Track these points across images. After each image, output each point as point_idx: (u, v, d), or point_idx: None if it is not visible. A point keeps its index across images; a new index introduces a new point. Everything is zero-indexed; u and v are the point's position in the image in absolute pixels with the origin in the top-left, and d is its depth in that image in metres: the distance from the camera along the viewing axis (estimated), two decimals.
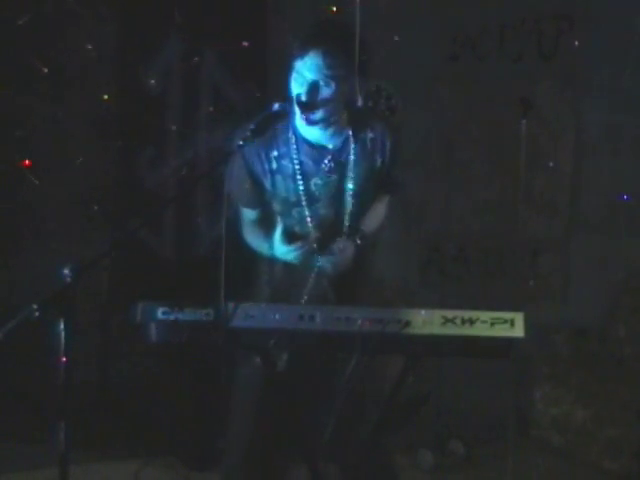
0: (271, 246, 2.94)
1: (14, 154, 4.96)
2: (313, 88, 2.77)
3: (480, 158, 5.34)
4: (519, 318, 2.50)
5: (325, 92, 2.79)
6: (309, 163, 2.92)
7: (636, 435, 4.37)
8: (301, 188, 2.91)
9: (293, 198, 2.93)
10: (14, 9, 4.85)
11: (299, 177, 2.91)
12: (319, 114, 2.82)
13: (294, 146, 2.92)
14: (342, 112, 2.90)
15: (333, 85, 2.79)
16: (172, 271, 4.77)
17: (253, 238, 3.05)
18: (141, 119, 4.90)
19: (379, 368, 2.85)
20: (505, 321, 2.49)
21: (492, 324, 2.49)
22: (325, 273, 2.93)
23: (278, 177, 2.93)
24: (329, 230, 2.96)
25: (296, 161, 2.91)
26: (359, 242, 2.97)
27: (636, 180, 5.09)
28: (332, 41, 2.78)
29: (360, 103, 2.93)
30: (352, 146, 2.93)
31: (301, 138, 2.92)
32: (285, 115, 2.82)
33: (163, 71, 4.89)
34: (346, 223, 2.96)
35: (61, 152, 5.00)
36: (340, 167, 2.93)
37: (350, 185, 2.93)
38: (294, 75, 2.81)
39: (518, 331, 2.48)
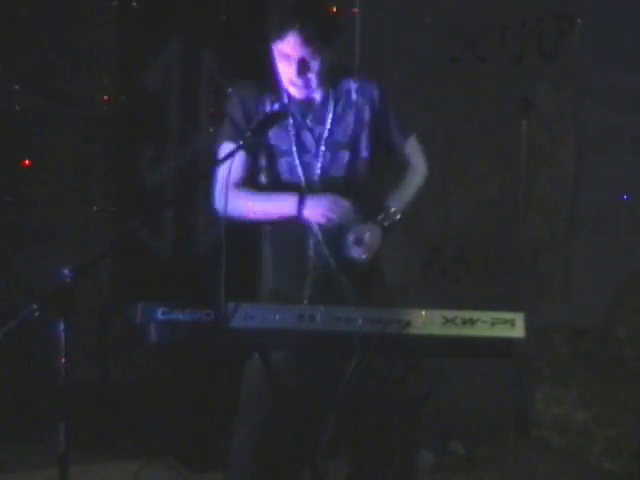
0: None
1: (14, 154, 4.96)
2: (302, 65, 2.84)
3: (480, 158, 5.35)
4: (519, 318, 2.50)
5: (314, 66, 2.86)
6: (298, 115, 2.97)
7: (636, 435, 4.37)
8: (293, 138, 2.95)
9: (283, 147, 2.97)
10: (14, 9, 4.84)
11: (290, 127, 2.95)
12: (313, 86, 2.90)
13: (285, 100, 2.98)
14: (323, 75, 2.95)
15: (317, 59, 2.85)
16: (172, 271, 4.77)
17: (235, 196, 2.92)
18: (141, 119, 4.90)
19: (379, 368, 2.85)
20: (505, 321, 2.49)
21: (492, 324, 2.49)
22: (347, 268, 2.92)
23: (276, 129, 2.96)
24: (321, 186, 2.96)
25: (289, 114, 2.95)
26: (386, 225, 2.97)
27: (636, 180, 5.09)
28: (308, 17, 2.83)
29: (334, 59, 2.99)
30: (333, 99, 2.98)
31: (288, 93, 2.98)
32: (285, 115, 2.86)
33: (163, 71, 4.88)
34: (341, 181, 2.97)
35: (61, 152, 5.00)
36: (324, 119, 2.98)
37: (338, 137, 2.97)
38: (279, 57, 2.87)
39: (518, 331, 2.48)
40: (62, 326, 2.21)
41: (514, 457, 3.91)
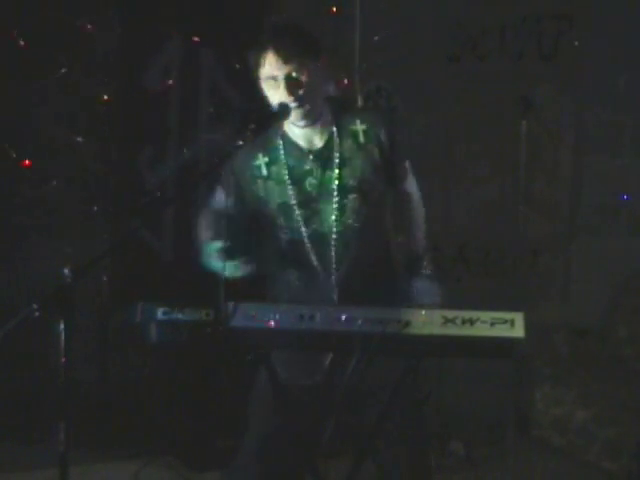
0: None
1: (14, 154, 4.96)
2: (290, 82, 2.77)
3: (480, 158, 5.35)
4: (519, 318, 2.50)
5: (301, 80, 2.78)
6: (298, 166, 2.90)
7: (636, 436, 4.37)
8: (297, 190, 2.89)
9: (290, 202, 2.90)
10: (14, 9, 4.84)
11: (289, 181, 2.89)
12: (306, 107, 2.81)
13: (281, 151, 2.91)
14: (324, 106, 2.89)
15: (303, 74, 2.78)
16: (172, 271, 4.76)
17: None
18: (141, 119, 4.90)
19: (379, 368, 2.85)
20: (505, 321, 2.49)
21: (492, 324, 2.48)
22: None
23: (269, 183, 2.92)
24: (334, 234, 2.92)
25: (284, 166, 2.90)
26: (429, 273, 3.01)
27: (636, 180, 5.10)
28: (281, 33, 2.81)
29: (332, 92, 2.93)
30: (337, 141, 2.90)
31: (289, 142, 2.92)
32: (285, 115, 2.82)
33: (163, 71, 4.88)
34: (352, 227, 2.91)
35: (61, 152, 5.00)
36: (329, 163, 2.89)
37: (349, 181, 2.90)
38: (266, 84, 2.81)
39: (518, 331, 2.48)
40: (62, 326, 2.21)
41: (514, 457, 3.91)
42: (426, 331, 2.48)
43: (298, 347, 2.65)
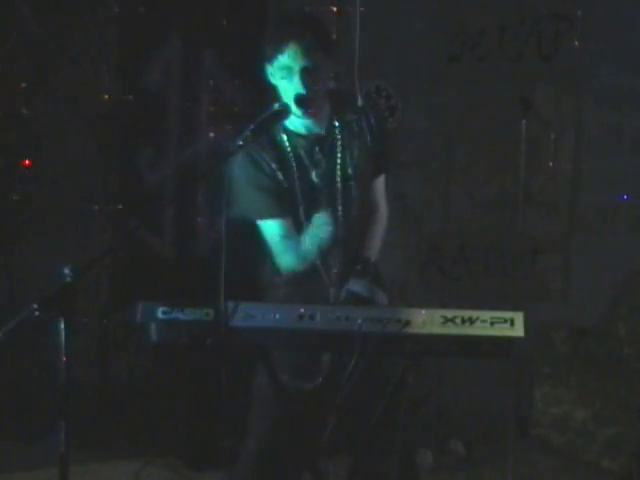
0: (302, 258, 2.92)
1: (14, 154, 4.96)
2: (305, 75, 2.78)
3: (480, 158, 5.35)
4: (519, 318, 2.50)
5: (317, 75, 2.80)
6: (305, 155, 2.91)
7: (636, 435, 4.37)
8: (304, 181, 2.90)
9: (299, 194, 2.91)
10: (14, 9, 4.85)
11: (297, 170, 2.90)
12: (316, 101, 2.83)
13: (287, 144, 2.91)
14: (324, 98, 2.91)
15: (318, 67, 2.80)
16: (172, 271, 4.77)
17: (288, 255, 2.95)
18: (141, 119, 4.90)
19: (379, 368, 2.85)
20: (505, 320, 2.49)
21: (492, 324, 2.48)
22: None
23: (280, 177, 2.92)
24: (340, 222, 2.94)
25: (292, 157, 2.91)
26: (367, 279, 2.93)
27: (636, 180, 5.10)
28: (302, 28, 2.79)
29: (333, 85, 2.94)
30: (338, 130, 2.93)
31: (293, 133, 2.92)
32: (285, 115, 2.83)
33: (163, 71, 4.88)
34: (354, 212, 2.94)
35: (61, 152, 5.00)
36: (333, 153, 2.93)
37: (349, 170, 2.93)
38: (278, 73, 2.81)
39: (518, 331, 2.48)
40: (62, 326, 2.21)
41: (514, 457, 3.91)
42: (426, 330, 2.48)
43: (298, 347, 2.65)
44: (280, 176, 2.90)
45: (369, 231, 3.06)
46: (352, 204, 2.96)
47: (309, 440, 2.76)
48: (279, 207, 2.91)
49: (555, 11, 5.13)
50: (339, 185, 2.93)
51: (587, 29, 5.07)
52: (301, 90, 2.78)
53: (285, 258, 2.96)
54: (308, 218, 2.93)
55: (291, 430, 2.78)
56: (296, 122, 2.89)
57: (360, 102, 3.10)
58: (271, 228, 2.94)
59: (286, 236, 2.92)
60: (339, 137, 2.94)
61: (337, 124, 2.94)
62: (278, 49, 2.77)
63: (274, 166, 2.90)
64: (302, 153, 2.92)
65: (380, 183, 3.09)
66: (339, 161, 2.93)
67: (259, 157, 2.88)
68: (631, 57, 5.01)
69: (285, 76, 2.80)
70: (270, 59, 2.81)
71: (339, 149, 2.93)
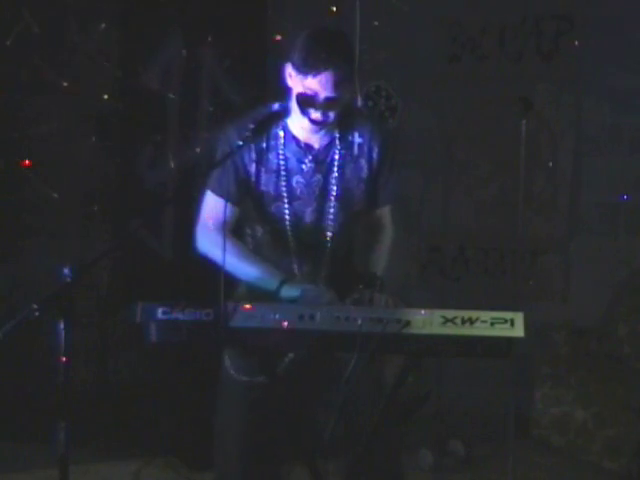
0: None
1: (14, 154, 4.96)
2: (329, 104, 2.75)
3: (480, 158, 5.35)
4: (519, 318, 2.50)
5: (337, 104, 2.77)
6: (293, 160, 2.88)
7: (636, 435, 4.37)
8: (283, 183, 2.88)
9: (274, 193, 2.89)
10: (15, 9, 4.85)
11: (283, 172, 2.87)
12: (329, 123, 2.81)
13: (281, 141, 2.89)
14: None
15: (344, 97, 2.78)
16: (172, 271, 4.76)
17: (203, 238, 2.89)
18: (141, 119, 4.90)
19: (379, 368, 2.85)
20: (505, 321, 2.49)
21: (492, 324, 2.49)
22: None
23: (261, 169, 2.91)
24: (308, 234, 2.90)
25: (281, 156, 2.88)
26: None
27: (636, 180, 5.10)
28: (342, 58, 2.76)
29: (359, 104, 2.92)
30: (337, 148, 2.90)
31: (290, 135, 2.91)
32: (285, 115, 2.82)
33: (163, 71, 4.88)
34: (329, 231, 2.90)
35: (61, 152, 5.00)
36: (323, 168, 2.89)
37: (334, 188, 2.89)
38: (301, 88, 2.76)
39: (518, 331, 2.48)
40: (62, 326, 2.21)
41: (514, 457, 3.91)
42: (426, 331, 2.49)
43: (298, 347, 2.65)
44: (253, 168, 2.88)
45: (373, 250, 2.98)
46: (329, 221, 2.90)
47: (308, 441, 2.76)
48: (236, 193, 2.86)
49: (555, 11, 5.13)
50: (316, 195, 2.89)
51: (587, 29, 5.08)
52: (318, 114, 2.76)
53: (200, 236, 2.89)
54: (269, 212, 2.89)
55: (290, 430, 2.78)
56: (297, 123, 2.89)
57: (366, 116, 3.00)
58: (215, 204, 2.88)
59: (219, 222, 2.85)
60: (336, 152, 2.90)
61: (338, 139, 2.90)
62: (311, 70, 2.72)
63: (254, 156, 2.88)
64: (291, 155, 2.89)
65: (385, 212, 3.00)
66: (330, 177, 2.89)
67: (246, 144, 2.82)
68: (631, 57, 5.01)
69: (307, 98, 2.76)
70: (299, 70, 2.75)
71: (334, 167, 2.89)
